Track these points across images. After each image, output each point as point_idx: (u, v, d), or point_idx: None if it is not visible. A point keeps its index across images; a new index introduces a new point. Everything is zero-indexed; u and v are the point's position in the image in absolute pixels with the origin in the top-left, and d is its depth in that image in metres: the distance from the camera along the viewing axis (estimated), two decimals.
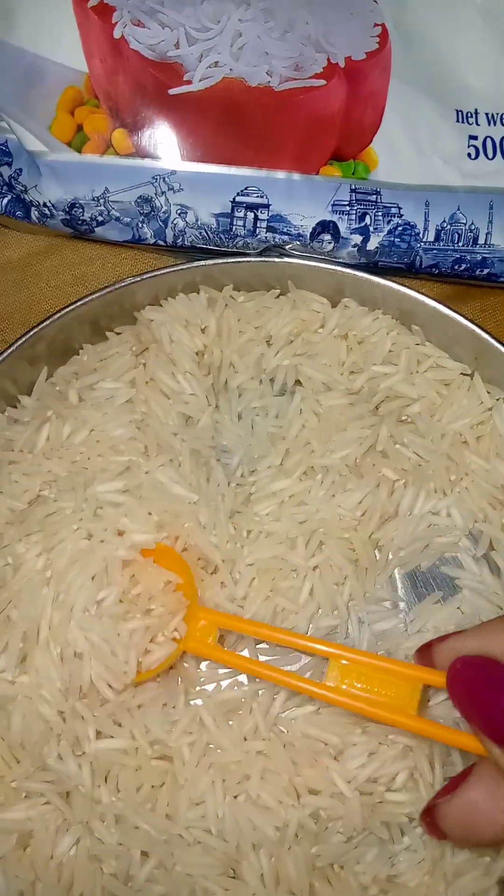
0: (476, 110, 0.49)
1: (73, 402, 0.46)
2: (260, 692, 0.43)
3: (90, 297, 0.45)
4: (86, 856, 0.40)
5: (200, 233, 0.47)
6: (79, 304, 0.45)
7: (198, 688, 0.43)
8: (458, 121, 0.49)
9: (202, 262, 0.46)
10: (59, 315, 0.45)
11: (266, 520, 0.44)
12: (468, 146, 0.49)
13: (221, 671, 0.43)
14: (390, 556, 0.45)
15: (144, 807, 0.40)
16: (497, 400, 0.47)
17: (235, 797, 0.41)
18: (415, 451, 0.46)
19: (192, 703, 0.42)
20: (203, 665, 0.44)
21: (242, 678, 0.43)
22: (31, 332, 0.45)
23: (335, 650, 0.40)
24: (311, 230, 0.47)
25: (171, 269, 0.46)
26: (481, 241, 0.49)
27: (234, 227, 0.47)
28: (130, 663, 0.41)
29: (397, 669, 0.39)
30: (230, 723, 0.42)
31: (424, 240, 0.48)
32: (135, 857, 0.40)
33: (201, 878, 0.40)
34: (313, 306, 0.48)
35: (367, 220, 0.48)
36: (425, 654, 0.39)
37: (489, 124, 0.49)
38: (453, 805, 0.37)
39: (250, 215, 0.47)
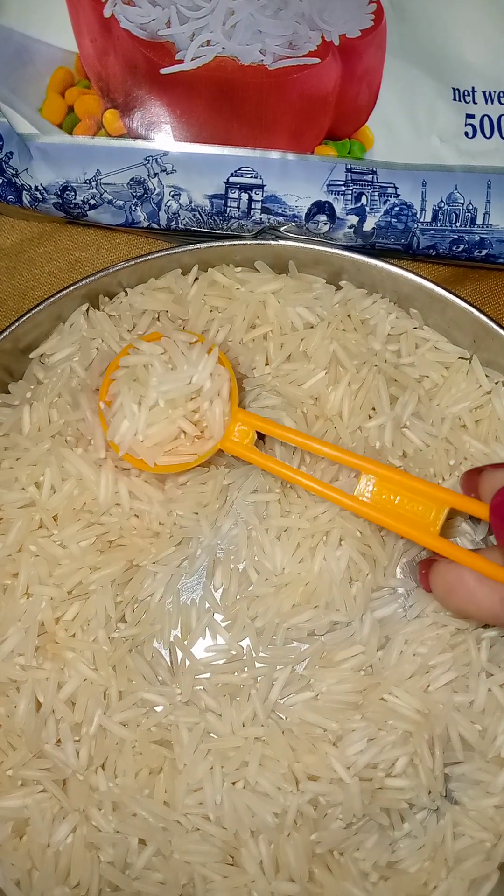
0: (473, 88, 0.48)
1: (39, 377, 0.46)
2: (258, 678, 0.42)
3: (82, 282, 0.45)
4: (83, 844, 0.40)
5: (194, 215, 0.47)
6: (71, 288, 0.45)
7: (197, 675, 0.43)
8: (455, 99, 0.48)
9: (196, 246, 0.46)
10: (50, 300, 0.45)
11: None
12: (465, 125, 0.48)
13: (218, 662, 0.43)
14: (395, 546, 0.44)
15: (142, 793, 0.40)
16: (496, 383, 0.46)
17: (234, 784, 0.41)
18: (416, 436, 0.45)
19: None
20: (202, 649, 0.43)
21: (241, 664, 0.43)
22: (24, 318, 0.44)
23: (367, 464, 0.41)
24: (306, 211, 0.47)
25: (165, 253, 0.45)
26: (479, 221, 0.48)
27: (228, 209, 0.47)
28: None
29: (426, 489, 0.40)
30: (229, 708, 0.41)
31: (421, 220, 0.48)
32: (132, 845, 0.40)
33: (200, 866, 0.39)
34: (314, 285, 0.48)
35: (364, 200, 0.47)
36: (472, 479, 0.40)
37: (487, 102, 0.48)
38: (448, 569, 0.38)
39: (244, 196, 0.46)
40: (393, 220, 0.47)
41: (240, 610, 0.43)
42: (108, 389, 0.43)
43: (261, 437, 0.44)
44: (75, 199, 0.47)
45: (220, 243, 0.46)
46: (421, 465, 0.45)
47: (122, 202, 0.47)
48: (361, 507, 0.40)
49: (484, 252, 0.49)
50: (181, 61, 0.45)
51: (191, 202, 0.47)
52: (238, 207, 0.47)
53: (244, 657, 0.43)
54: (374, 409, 0.45)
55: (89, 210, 0.47)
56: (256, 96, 0.46)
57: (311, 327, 0.46)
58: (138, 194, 0.46)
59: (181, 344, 0.42)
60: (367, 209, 0.47)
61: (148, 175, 0.46)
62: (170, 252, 0.45)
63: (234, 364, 0.45)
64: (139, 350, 0.42)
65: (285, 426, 0.43)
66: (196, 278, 0.47)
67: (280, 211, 0.47)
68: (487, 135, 0.48)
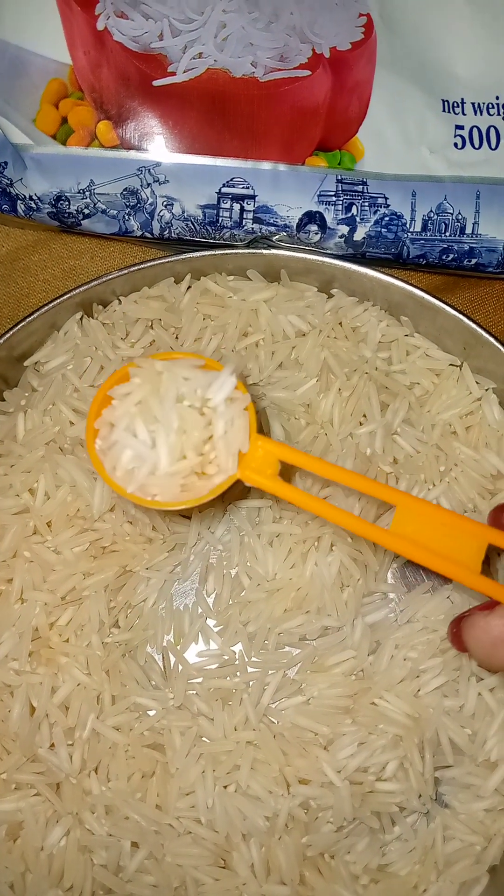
0: (462, 100, 0.49)
1: (33, 385, 0.46)
2: (250, 683, 0.43)
3: (76, 290, 0.45)
4: (76, 847, 0.40)
5: (187, 224, 0.47)
6: (65, 297, 0.45)
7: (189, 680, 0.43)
8: (444, 110, 0.49)
9: (189, 255, 0.46)
10: (45, 308, 0.45)
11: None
12: (455, 136, 0.49)
13: (211, 667, 0.43)
14: (386, 551, 0.45)
15: (135, 797, 0.41)
16: (486, 390, 0.47)
17: (225, 787, 0.41)
18: (406, 442, 0.46)
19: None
20: (195, 654, 0.44)
21: (233, 668, 0.43)
22: (18, 326, 0.45)
23: (403, 497, 0.37)
24: (297, 221, 0.47)
25: (158, 262, 0.46)
26: (468, 230, 0.48)
27: (220, 219, 0.47)
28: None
29: (464, 525, 0.36)
30: (221, 712, 0.42)
31: (411, 230, 0.48)
32: (125, 848, 0.40)
33: (192, 869, 0.40)
34: (306, 294, 0.48)
35: (354, 210, 0.48)
36: (499, 515, 0.38)
37: (475, 114, 0.49)
38: (489, 620, 0.35)
39: (236, 206, 0.47)
40: (383, 229, 0.48)
41: (232, 615, 0.44)
42: (100, 413, 0.37)
43: None
44: (69, 208, 0.47)
45: (213, 252, 0.46)
46: (411, 472, 0.45)
47: (115, 212, 0.47)
48: (399, 543, 0.36)
49: (473, 261, 0.49)
50: (173, 73, 0.46)
51: (183, 212, 0.47)
52: (230, 217, 0.47)
53: (236, 662, 0.43)
54: (364, 415, 0.46)
55: (83, 219, 0.48)
56: (248, 108, 0.46)
57: (303, 335, 0.47)
58: (131, 204, 0.47)
59: (188, 368, 0.37)
60: (358, 219, 0.48)
61: (141, 185, 0.47)
62: (163, 261, 0.46)
63: None
64: (144, 369, 0.37)
65: (314, 456, 0.37)
66: (189, 287, 0.47)
67: (271, 221, 0.47)
68: (476, 145, 0.49)
